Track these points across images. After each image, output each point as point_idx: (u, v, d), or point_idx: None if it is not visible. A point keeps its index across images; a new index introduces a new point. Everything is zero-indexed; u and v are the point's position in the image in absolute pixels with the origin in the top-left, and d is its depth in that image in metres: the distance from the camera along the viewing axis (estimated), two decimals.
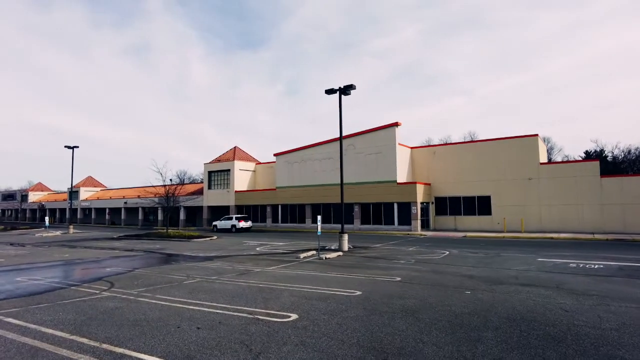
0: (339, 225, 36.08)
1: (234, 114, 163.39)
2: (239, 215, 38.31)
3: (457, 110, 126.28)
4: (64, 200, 71.91)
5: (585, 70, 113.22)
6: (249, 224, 38.05)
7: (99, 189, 73.13)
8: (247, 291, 10.31)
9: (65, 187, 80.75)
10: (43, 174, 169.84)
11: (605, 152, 60.23)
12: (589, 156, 57.54)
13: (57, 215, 74.72)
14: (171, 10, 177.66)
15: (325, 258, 17.35)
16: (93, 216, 65.74)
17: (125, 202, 59.27)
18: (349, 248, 20.63)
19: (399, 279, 12.07)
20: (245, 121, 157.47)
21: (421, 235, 30.00)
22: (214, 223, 40.08)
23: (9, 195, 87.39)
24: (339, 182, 37.43)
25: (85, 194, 69.84)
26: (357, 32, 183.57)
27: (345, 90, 21.33)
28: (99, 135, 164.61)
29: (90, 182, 72.92)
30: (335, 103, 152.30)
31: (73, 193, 68.85)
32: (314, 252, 19.36)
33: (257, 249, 21.98)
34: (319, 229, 19.19)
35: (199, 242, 27.63)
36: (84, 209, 68.58)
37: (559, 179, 30.86)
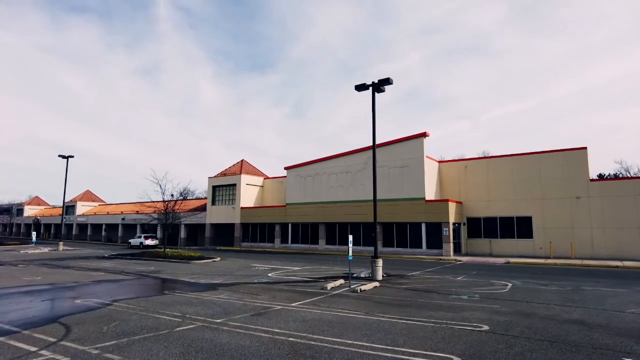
0: (359, 248, 32.53)
1: (241, 134, 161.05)
2: (147, 234, 43.91)
3: (459, 134, 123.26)
4: (60, 215, 68.31)
5: (591, 95, 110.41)
6: (155, 242, 42.62)
7: (97, 203, 69.52)
8: (273, 353, 6.53)
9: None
10: (48, 189, 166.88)
11: (631, 174, 56.35)
12: (601, 178, 53.71)
13: (52, 230, 70.82)
14: (182, 33, 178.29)
15: (361, 290, 13.55)
16: (89, 232, 61.95)
17: (123, 218, 55.62)
18: (382, 276, 16.79)
19: (486, 327, 8.46)
20: (252, 141, 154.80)
21: (456, 260, 25.99)
22: (129, 240, 44.78)
23: (5, 210, 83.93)
24: (356, 198, 34.17)
25: (82, 208, 66.22)
26: (362, 57, 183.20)
27: (380, 85, 17.86)
28: (106, 152, 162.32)
29: (88, 196, 69.39)
30: (343, 121, 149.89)
31: (69, 207, 65.42)
32: (342, 281, 15.59)
33: (269, 274, 18.20)
34: (350, 252, 15.41)
35: (200, 264, 23.85)
36: (80, 225, 64.87)
37: (614, 198, 26.90)
